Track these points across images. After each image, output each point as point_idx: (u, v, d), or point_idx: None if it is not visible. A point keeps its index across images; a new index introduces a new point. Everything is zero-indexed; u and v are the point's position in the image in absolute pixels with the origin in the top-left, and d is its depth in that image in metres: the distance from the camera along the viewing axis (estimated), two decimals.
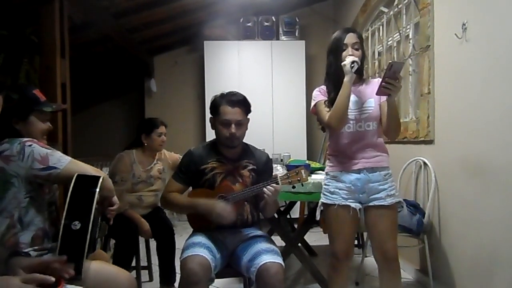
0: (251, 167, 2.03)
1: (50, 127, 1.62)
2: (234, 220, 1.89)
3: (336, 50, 1.96)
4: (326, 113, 1.95)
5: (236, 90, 2.03)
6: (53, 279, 1.06)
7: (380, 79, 1.82)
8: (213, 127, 2.02)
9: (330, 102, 1.94)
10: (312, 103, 2.06)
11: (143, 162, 2.74)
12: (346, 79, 1.87)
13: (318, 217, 2.11)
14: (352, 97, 1.96)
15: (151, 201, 2.77)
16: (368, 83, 2.03)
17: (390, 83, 1.76)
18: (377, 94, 1.85)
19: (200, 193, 1.98)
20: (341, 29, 2.01)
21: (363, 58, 1.99)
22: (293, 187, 1.93)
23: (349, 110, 1.93)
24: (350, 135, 1.96)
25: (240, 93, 2.01)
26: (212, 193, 1.95)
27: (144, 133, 2.74)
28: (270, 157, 2.21)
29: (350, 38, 1.93)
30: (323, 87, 2.04)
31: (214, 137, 2.08)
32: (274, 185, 1.84)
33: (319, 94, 2.03)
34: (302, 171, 1.88)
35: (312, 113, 2.09)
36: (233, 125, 1.92)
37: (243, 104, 1.97)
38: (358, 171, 1.94)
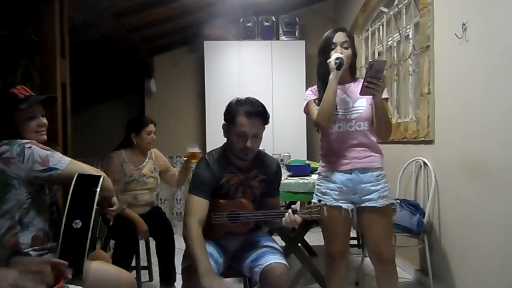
0: (261, 177, 1.92)
1: (43, 123, 1.55)
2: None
3: (325, 50, 1.95)
4: (315, 111, 1.94)
5: (253, 97, 1.84)
6: (49, 269, 1.05)
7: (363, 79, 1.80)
8: (225, 134, 1.85)
9: (320, 101, 1.93)
10: (304, 103, 2.06)
11: (134, 161, 2.73)
12: (331, 76, 1.87)
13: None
14: (343, 97, 1.95)
15: (147, 199, 2.77)
16: (360, 82, 2.00)
17: (373, 82, 1.74)
18: (360, 94, 1.82)
19: (213, 204, 1.85)
20: (331, 29, 2.00)
21: (354, 57, 1.98)
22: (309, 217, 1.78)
23: (339, 110, 1.92)
24: (340, 135, 1.94)
25: (259, 101, 1.82)
26: (224, 205, 1.85)
27: (133, 132, 2.72)
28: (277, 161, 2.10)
29: (338, 37, 1.93)
30: (315, 87, 2.04)
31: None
32: (292, 215, 1.72)
33: (311, 94, 2.03)
34: (325, 208, 1.73)
35: (305, 113, 2.08)
36: (249, 138, 1.76)
37: (262, 116, 1.78)
38: (350, 172, 1.92)
